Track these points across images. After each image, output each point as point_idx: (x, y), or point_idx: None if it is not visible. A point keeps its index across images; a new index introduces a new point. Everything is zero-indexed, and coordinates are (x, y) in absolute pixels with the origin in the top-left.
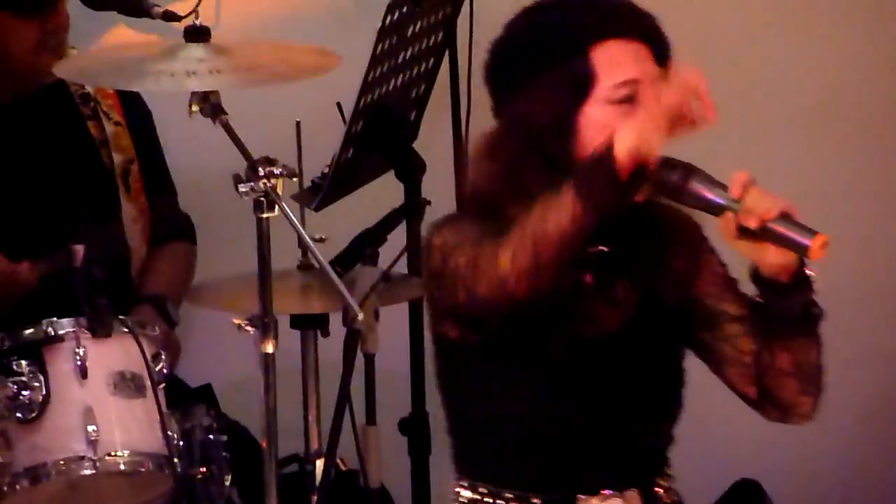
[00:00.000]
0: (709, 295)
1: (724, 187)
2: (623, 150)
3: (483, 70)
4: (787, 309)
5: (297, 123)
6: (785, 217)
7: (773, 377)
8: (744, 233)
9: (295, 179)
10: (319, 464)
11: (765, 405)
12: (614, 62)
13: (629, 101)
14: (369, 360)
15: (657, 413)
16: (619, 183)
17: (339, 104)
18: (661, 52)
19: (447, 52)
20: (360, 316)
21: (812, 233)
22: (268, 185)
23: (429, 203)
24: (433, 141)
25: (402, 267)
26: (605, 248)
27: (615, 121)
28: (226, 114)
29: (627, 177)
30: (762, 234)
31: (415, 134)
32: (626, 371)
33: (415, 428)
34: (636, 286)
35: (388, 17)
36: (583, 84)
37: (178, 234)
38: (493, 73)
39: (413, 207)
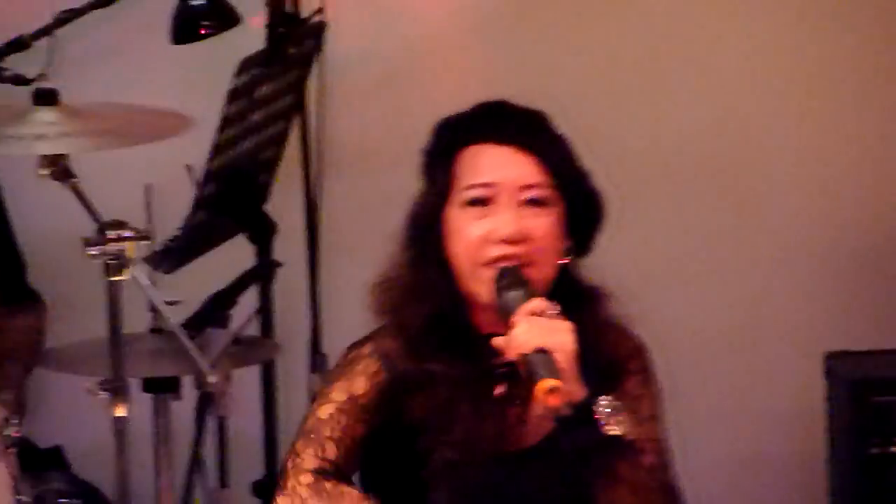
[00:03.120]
0: None
1: None
2: None
3: None
4: None
5: (147, 186)
6: None
7: None
8: None
9: (146, 242)
10: None
11: None
12: None
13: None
14: (222, 423)
15: None
16: None
17: (188, 166)
18: None
19: (298, 116)
20: (212, 378)
21: None
22: (117, 247)
23: (280, 265)
24: (285, 203)
25: (253, 329)
26: None
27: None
28: (75, 177)
29: None
30: None
31: (266, 196)
32: None
33: (268, 490)
34: None
35: (238, 79)
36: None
37: (27, 304)
38: None
39: (264, 269)
